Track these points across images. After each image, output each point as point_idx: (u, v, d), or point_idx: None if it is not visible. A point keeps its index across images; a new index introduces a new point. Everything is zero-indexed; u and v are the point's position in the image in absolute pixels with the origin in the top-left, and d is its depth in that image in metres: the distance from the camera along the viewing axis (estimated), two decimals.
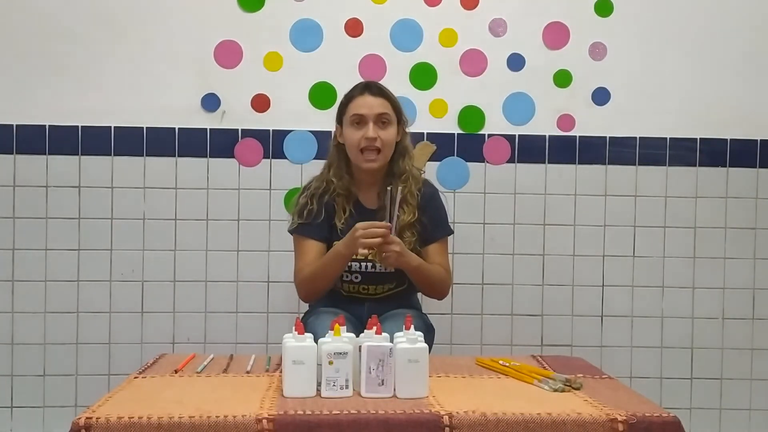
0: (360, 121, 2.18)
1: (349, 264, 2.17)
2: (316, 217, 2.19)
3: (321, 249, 2.20)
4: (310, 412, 1.47)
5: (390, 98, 2.23)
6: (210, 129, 2.69)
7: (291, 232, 2.26)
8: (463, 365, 1.91)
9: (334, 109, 2.64)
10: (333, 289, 2.23)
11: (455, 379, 1.78)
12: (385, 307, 2.19)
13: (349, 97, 2.23)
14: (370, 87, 2.23)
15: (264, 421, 1.42)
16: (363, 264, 2.19)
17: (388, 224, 2.04)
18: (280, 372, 1.67)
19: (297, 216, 2.23)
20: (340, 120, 2.25)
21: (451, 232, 2.33)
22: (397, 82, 2.56)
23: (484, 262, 2.75)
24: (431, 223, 2.24)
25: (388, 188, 2.10)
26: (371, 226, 2.03)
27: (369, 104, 2.18)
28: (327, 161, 2.29)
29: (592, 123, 2.75)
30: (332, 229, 2.21)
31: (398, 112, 2.23)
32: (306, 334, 1.63)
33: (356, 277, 2.21)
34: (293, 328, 1.62)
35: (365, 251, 2.06)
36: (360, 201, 2.24)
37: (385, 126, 2.19)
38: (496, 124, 2.74)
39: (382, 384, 1.58)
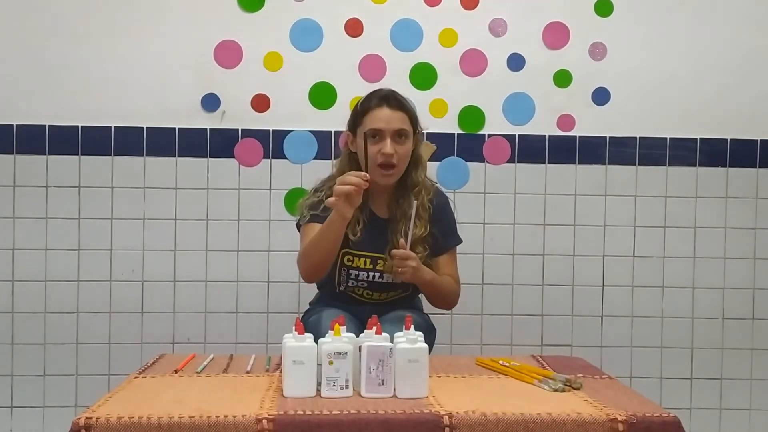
0: (377, 135, 2.08)
1: (357, 273, 2.16)
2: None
3: None
4: (310, 412, 1.47)
5: (407, 110, 2.13)
6: (210, 129, 2.69)
7: (303, 224, 2.16)
8: (463, 365, 1.91)
9: (335, 109, 2.68)
10: (335, 291, 2.22)
11: (455, 379, 1.78)
12: (387, 308, 2.18)
13: (366, 109, 2.11)
14: (388, 99, 2.11)
15: (264, 421, 1.42)
16: (371, 274, 2.16)
17: (365, 174, 1.93)
18: (280, 372, 1.67)
19: (309, 209, 2.14)
20: (353, 129, 2.15)
21: (461, 241, 2.29)
22: (397, 82, 2.56)
23: (484, 262, 2.75)
24: (442, 234, 2.20)
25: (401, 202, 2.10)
26: (346, 175, 1.91)
27: (387, 118, 2.08)
28: (338, 167, 2.18)
29: (592, 123, 2.75)
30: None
31: (414, 123, 2.15)
32: (306, 334, 1.63)
33: (362, 284, 2.19)
34: (293, 328, 1.62)
35: (388, 266, 2.06)
36: (372, 210, 2.18)
37: (402, 141, 2.10)
38: (496, 124, 2.74)
39: (382, 384, 1.58)
